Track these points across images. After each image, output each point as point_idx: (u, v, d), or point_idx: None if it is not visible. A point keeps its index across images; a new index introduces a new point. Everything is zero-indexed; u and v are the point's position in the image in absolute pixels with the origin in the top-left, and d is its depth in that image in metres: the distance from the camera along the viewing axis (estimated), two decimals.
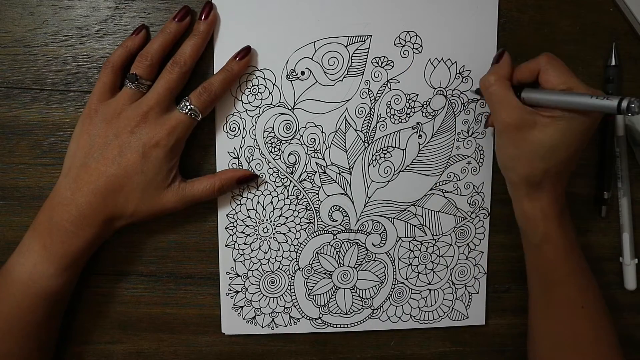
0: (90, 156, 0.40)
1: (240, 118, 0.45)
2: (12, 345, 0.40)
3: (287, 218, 0.47)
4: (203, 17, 0.42)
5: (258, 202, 0.46)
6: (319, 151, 0.46)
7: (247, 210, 0.46)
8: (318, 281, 0.48)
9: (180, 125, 0.41)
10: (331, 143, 0.46)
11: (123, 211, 0.41)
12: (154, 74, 0.42)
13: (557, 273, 0.43)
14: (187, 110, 0.41)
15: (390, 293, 0.49)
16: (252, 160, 0.45)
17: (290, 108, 0.45)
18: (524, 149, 0.40)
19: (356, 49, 0.45)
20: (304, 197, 0.46)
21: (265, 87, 0.45)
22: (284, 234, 0.47)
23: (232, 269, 0.47)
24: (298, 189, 0.46)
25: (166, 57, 0.42)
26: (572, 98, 0.37)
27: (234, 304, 0.47)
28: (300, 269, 0.48)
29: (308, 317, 0.48)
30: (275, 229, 0.47)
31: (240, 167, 0.45)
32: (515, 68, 0.42)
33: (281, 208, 0.46)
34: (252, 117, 0.45)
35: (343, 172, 0.46)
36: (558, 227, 0.42)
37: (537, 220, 0.42)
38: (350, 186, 0.47)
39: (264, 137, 0.45)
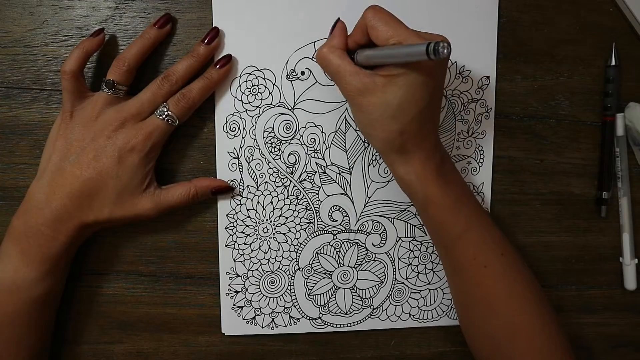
0: (66, 159, 0.40)
1: (240, 118, 0.45)
2: (2, 352, 0.40)
3: (287, 218, 0.47)
4: (206, 42, 0.42)
5: (258, 202, 0.46)
6: (319, 151, 0.46)
7: (247, 210, 0.46)
8: (318, 281, 0.48)
9: (157, 130, 0.41)
10: (331, 143, 0.46)
11: (98, 215, 0.41)
12: (131, 79, 0.41)
13: (449, 233, 0.41)
14: (164, 116, 0.41)
15: (390, 293, 0.49)
16: (252, 160, 0.45)
17: (290, 108, 0.45)
18: (373, 113, 0.38)
19: None
20: (304, 197, 0.46)
21: (265, 87, 0.45)
22: (284, 234, 0.47)
23: (232, 269, 0.47)
24: (298, 189, 0.46)
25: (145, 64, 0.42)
26: (390, 51, 0.36)
27: (234, 304, 0.47)
28: (300, 269, 0.48)
29: (308, 317, 0.48)
30: (275, 229, 0.47)
31: (241, 167, 0.45)
32: (352, 32, 0.40)
33: (281, 208, 0.46)
34: (252, 117, 0.45)
35: (343, 172, 0.46)
36: (437, 186, 0.40)
37: (414, 185, 0.40)
38: (350, 186, 0.47)
39: (264, 137, 0.45)
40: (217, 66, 0.43)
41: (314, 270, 0.48)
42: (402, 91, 0.37)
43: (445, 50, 0.32)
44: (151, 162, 0.42)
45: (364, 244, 0.48)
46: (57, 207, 0.40)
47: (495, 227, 0.43)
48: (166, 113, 0.41)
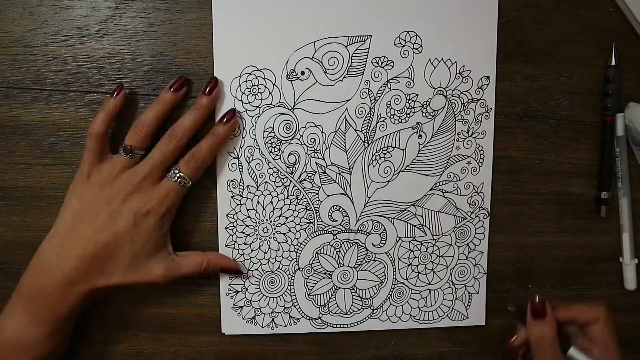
0: (80, 221, 0.40)
1: (240, 118, 0.45)
2: None
3: (287, 218, 0.47)
4: (207, 92, 0.42)
5: (258, 202, 0.46)
6: (318, 151, 0.46)
7: (247, 210, 0.46)
8: (318, 281, 0.48)
9: (171, 193, 0.41)
10: (331, 143, 0.46)
11: (108, 280, 0.40)
12: (148, 143, 0.42)
13: None
14: (176, 178, 0.41)
15: (390, 293, 0.49)
16: (252, 160, 0.45)
17: (290, 108, 0.45)
18: None
19: (356, 49, 0.45)
20: (304, 197, 0.46)
21: (265, 87, 0.45)
22: (283, 234, 0.47)
23: None
24: (298, 189, 0.46)
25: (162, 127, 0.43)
26: None
27: (234, 304, 0.47)
28: (300, 269, 0.48)
29: (308, 317, 0.48)
30: (275, 229, 0.47)
31: (241, 167, 0.45)
32: (567, 308, 0.44)
33: (281, 208, 0.46)
34: (252, 117, 0.45)
35: (343, 172, 0.46)
36: None
37: None
38: (350, 186, 0.47)
39: (264, 137, 0.45)
40: (224, 121, 0.43)
41: (314, 270, 0.48)
42: None
43: None
44: (166, 224, 0.42)
45: (364, 244, 0.48)
46: (68, 270, 0.39)
47: None
48: (178, 175, 0.41)
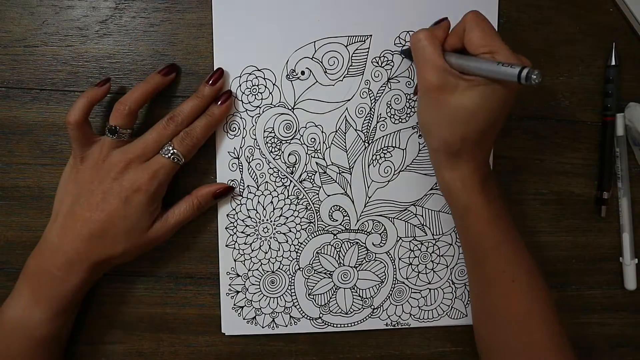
0: (77, 203, 0.41)
1: (241, 118, 0.45)
2: None
3: (287, 218, 0.47)
4: (210, 83, 0.42)
5: (258, 202, 0.46)
6: (319, 151, 0.46)
7: (248, 210, 0.46)
8: (318, 281, 0.48)
9: (163, 169, 0.41)
10: (331, 143, 0.46)
11: (112, 253, 0.41)
12: (132, 122, 0.42)
13: (483, 245, 0.42)
14: (169, 154, 0.41)
15: (391, 292, 0.49)
16: (252, 160, 0.45)
17: (290, 108, 0.45)
18: (444, 111, 0.38)
19: (356, 49, 0.45)
20: (304, 197, 0.46)
21: (266, 87, 0.45)
22: (284, 233, 0.47)
23: (233, 269, 0.47)
24: (298, 188, 0.46)
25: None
26: (483, 64, 0.36)
27: (234, 304, 0.47)
28: (301, 269, 0.47)
29: (308, 317, 0.48)
30: (275, 228, 0.47)
31: (241, 167, 0.45)
32: (450, 33, 0.41)
33: (281, 208, 0.46)
34: (252, 117, 0.45)
35: (343, 172, 0.46)
36: (480, 197, 0.40)
37: (458, 191, 0.41)
38: (350, 186, 0.47)
39: (264, 137, 0.45)
40: (219, 102, 0.43)
41: (315, 270, 0.48)
42: (480, 100, 0.37)
43: (538, 80, 0.33)
44: (157, 200, 0.42)
45: (364, 243, 0.48)
46: (69, 251, 0.40)
47: (524, 244, 0.43)
48: (172, 151, 0.41)
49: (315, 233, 0.47)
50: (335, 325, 0.49)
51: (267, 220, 0.46)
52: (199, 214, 0.45)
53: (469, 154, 0.40)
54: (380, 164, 0.47)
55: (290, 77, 0.45)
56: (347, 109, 0.46)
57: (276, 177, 0.46)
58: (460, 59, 0.38)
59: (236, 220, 0.46)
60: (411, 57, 0.43)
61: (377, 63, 0.45)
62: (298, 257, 0.47)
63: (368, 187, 0.47)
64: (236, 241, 0.46)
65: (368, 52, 0.45)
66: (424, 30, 0.40)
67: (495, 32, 0.38)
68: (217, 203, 0.46)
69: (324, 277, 0.48)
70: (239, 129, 0.45)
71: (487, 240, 0.42)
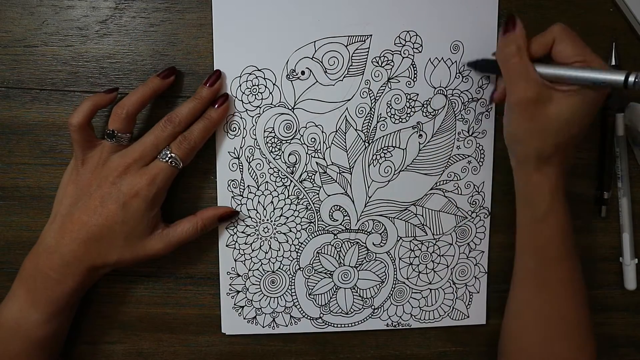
0: (75, 206, 0.41)
1: (241, 118, 0.45)
2: None
3: (287, 218, 0.47)
4: (208, 84, 0.42)
5: (258, 202, 0.46)
6: (319, 151, 0.46)
7: (248, 210, 0.46)
8: (319, 281, 0.48)
9: (161, 174, 0.41)
10: (331, 143, 0.46)
11: (106, 259, 0.41)
12: (131, 125, 0.42)
13: (556, 250, 0.43)
14: (167, 158, 0.41)
15: (391, 293, 0.49)
16: (252, 160, 0.45)
17: (290, 108, 0.45)
18: (538, 123, 0.39)
19: (356, 49, 0.45)
20: (305, 197, 0.46)
21: (266, 87, 0.45)
22: (284, 233, 0.47)
23: (233, 269, 0.47)
24: (298, 188, 0.46)
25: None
26: (583, 73, 0.38)
27: (234, 304, 0.47)
28: (301, 269, 0.47)
29: (309, 317, 0.48)
30: (275, 228, 0.47)
31: (241, 167, 0.45)
32: (529, 41, 0.41)
33: (282, 208, 0.46)
34: (253, 117, 0.45)
35: (343, 172, 0.46)
36: (563, 201, 0.42)
37: (545, 194, 0.41)
38: (350, 186, 0.47)
39: (264, 137, 0.45)
40: (216, 105, 0.43)
41: (315, 270, 0.48)
42: (575, 108, 0.39)
43: None
44: (157, 206, 0.42)
45: (365, 243, 0.48)
46: (66, 253, 0.40)
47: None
48: (169, 155, 0.41)
49: (315, 233, 0.47)
50: (335, 326, 0.49)
51: (268, 220, 0.46)
52: (201, 235, 0.44)
53: (559, 159, 0.41)
54: (380, 164, 0.47)
55: (291, 77, 0.45)
56: (347, 108, 0.46)
57: (276, 177, 0.46)
58: (554, 69, 0.39)
59: (236, 220, 0.46)
60: (484, 70, 0.45)
61: (377, 63, 0.45)
62: (298, 257, 0.47)
63: (368, 187, 0.47)
64: (236, 241, 0.46)
65: (368, 52, 0.45)
66: (509, 44, 0.40)
67: (583, 42, 0.40)
68: (217, 203, 0.46)
69: (325, 277, 0.48)
70: (239, 129, 0.45)
71: (560, 246, 0.43)
